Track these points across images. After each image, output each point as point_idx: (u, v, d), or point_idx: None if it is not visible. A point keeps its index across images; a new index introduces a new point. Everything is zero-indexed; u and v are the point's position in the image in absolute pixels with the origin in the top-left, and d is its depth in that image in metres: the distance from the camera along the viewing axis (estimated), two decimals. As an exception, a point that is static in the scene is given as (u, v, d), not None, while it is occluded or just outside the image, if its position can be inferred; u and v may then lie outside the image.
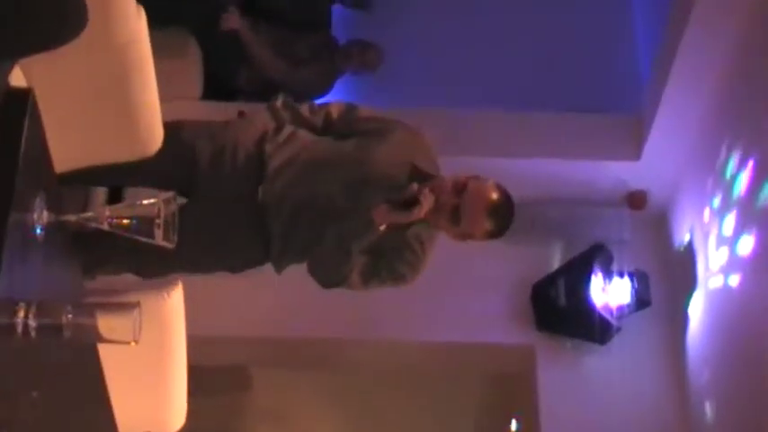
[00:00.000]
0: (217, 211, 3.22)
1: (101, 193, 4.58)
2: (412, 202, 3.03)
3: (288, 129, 3.26)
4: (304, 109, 3.32)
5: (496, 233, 3.13)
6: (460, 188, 3.05)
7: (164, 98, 3.03)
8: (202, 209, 3.19)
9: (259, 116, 3.32)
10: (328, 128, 3.31)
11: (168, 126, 3.03)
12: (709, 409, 4.51)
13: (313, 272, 3.26)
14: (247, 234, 3.24)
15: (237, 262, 3.39)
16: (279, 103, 3.32)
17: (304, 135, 3.27)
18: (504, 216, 3.12)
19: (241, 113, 3.36)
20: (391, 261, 3.19)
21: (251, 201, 3.20)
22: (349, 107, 3.31)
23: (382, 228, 3.07)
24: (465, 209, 3.05)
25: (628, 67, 5.57)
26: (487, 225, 3.10)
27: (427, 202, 3.03)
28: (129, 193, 4.54)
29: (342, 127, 3.29)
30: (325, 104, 3.34)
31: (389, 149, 3.17)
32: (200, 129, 3.28)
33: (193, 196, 3.22)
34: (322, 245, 3.17)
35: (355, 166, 3.15)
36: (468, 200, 3.04)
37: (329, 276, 3.23)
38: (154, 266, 3.32)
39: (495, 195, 3.08)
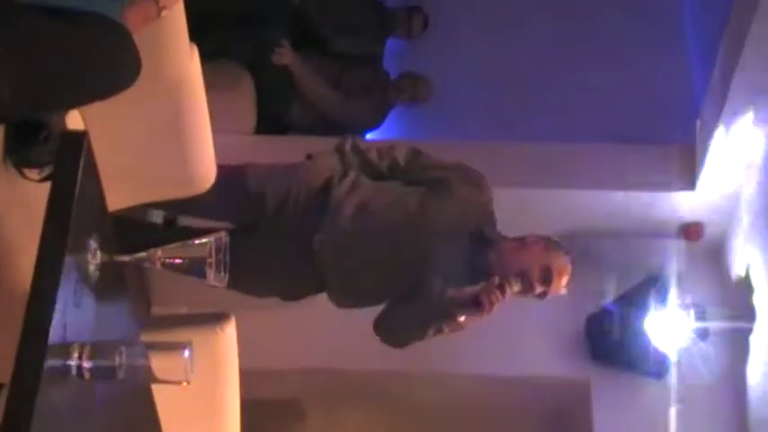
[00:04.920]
0: (272, 248, 3.26)
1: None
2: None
3: (351, 175, 3.30)
4: (372, 154, 3.37)
5: None
6: (548, 276, 3.20)
7: (217, 132, 3.06)
8: (259, 243, 3.24)
9: (326, 160, 3.36)
10: (393, 173, 3.36)
11: (233, 172, 3.09)
12: (769, 444, 4.43)
13: (381, 334, 3.37)
14: (300, 274, 3.30)
15: (290, 292, 3.43)
16: (348, 146, 3.35)
17: (368, 184, 3.31)
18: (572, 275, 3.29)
19: (309, 156, 3.40)
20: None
21: (306, 245, 3.23)
22: (414, 153, 3.37)
23: (461, 319, 3.21)
24: (551, 291, 3.24)
25: (681, 96, 5.51)
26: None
27: (498, 305, 3.15)
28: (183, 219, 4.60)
29: (408, 174, 3.34)
30: (392, 148, 3.38)
31: (453, 213, 3.23)
32: (265, 175, 3.31)
33: (251, 231, 3.27)
34: (396, 320, 3.30)
35: (419, 237, 3.21)
36: (554, 286, 3.23)
37: (395, 344, 3.39)
38: None
39: (569, 264, 3.25)
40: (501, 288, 3.13)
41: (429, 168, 3.32)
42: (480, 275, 3.21)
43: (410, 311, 3.25)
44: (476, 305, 3.14)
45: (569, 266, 3.23)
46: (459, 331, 3.27)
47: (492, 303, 3.13)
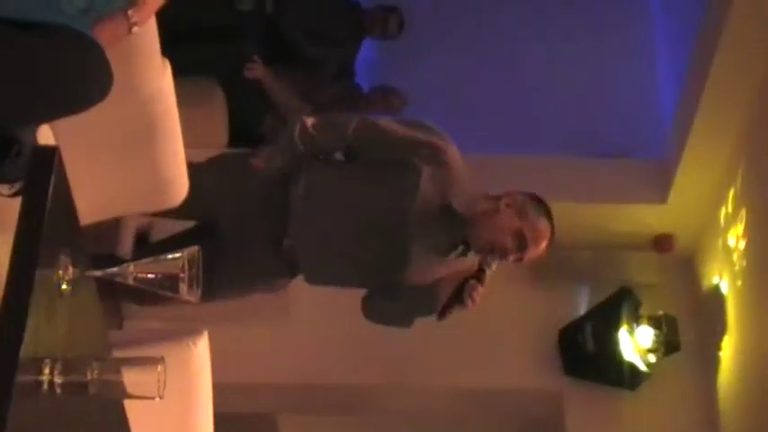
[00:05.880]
0: (240, 256, 3.26)
1: (128, 235, 4.61)
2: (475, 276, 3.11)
3: (305, 171, 3.21)
4: (323, 136, 3.22)
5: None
6: (522, 243, 3.09)
7: (190, 146, 3.05)
8: (226, 252, 3.23)
9: (277, 154, 3.26)
10: (350, 152, 3.27)
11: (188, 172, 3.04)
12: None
13: (369, 318, 3.34)
14: (273, 272, 3.31)
15: (266, 288, 3.43)
16: (296, 132, 3.22)
17: (326, 178, 3.22)
18: (553, 235, 3.17)
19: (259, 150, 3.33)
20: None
21: (274, 246, 3.22)
22: (369, 127, 3.22)
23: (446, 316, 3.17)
24: (529, 256, 3.13)
25: (653, 111, 5.56)
26: (545, 251, 3.18)
27: (480, 298, 3.09)
28: (155, 233, 4.58)
29: (366, 151, 3.23)
30: (344, 126, 3.23)
31: (422, 197, 3.14)
32: (217, 172, 3.28)
33: (214, 234, 3.25)
34: (383, 309, 3.29)
35: (392, 227, 3.15)
36: (530, 251, 3.12)
37: (382, 323, 3.36)
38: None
39: (548, 227, 3.13)
40: (480, 279, 3.08)
41: (388, 146, 3.18)
42: (460, 245, 3.17)
43: (396, 305, 3.24)
44: (460, 302, 3.10)
45: (547, 229, 3.11)
46: None
47: (474, 300, 3.08)
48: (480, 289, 3.08)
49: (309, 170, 3.21)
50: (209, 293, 3.31)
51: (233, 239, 3.25)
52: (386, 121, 3.26)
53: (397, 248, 3.16)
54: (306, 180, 3.20)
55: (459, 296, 3.10)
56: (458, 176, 3.19)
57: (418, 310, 3.25)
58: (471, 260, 3.18)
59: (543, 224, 3.11)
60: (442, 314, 3.17)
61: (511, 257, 3.10)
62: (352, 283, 3.30)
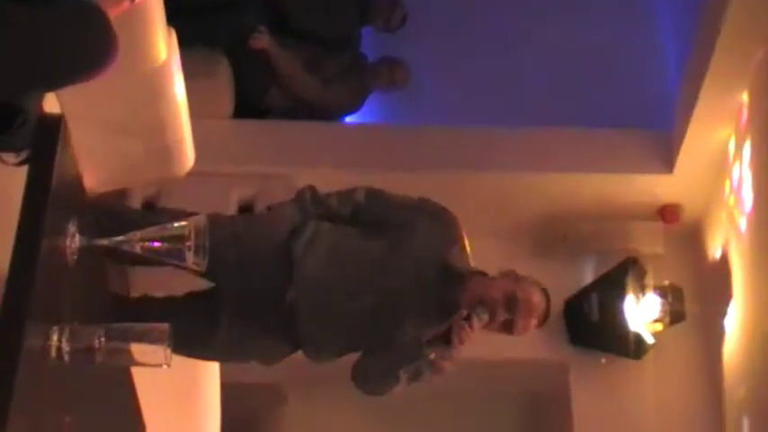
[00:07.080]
0: (244, 310, 3.16)
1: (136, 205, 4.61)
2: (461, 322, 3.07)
3: (311, 226, 3.18)
4: (332, 201, 3.25)
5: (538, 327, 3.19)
6: (513, 303, 3.05)
7: (195, 116, 3.05)
8: (229, 307, 3.15)
9: (285, 211, 3.23)
10: (356, 217, 3.26)
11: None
12: (746, 425, 4.46)
13: (357, 382, 3.23)
14: (275, 335, 3.21)
15: (267, 355, 3.35)
16: (308, 195, 3.23)
17: (329, 232, 3.20)
18: (547, 316, 3.15)
19: (269, 208, 3.29)
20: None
21: (278, 301, 3.13)
22: (375, 193, 3.26)
23: (432, 356, 3.09)
24: (518, 323, 3.07)
25: (659, 81, 5.54)
26: (534, 328, 3.13)
27: (469, 339, 3.05)
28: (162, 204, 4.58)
29: (369, 217, 3.24)
30: (351, 192, 3.26)
31: (418, 252, 3.13)
32: (222, 230, 3.08)
33: (219, 290, 3.18)
34: (367, 365, 3.18)
35: (388, 282, 3.12)
36: (520, 316, 3.06)
37: (373, 391, 3.26)
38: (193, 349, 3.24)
39: (542, 302, 3.10)
40: (469, 320, 3.03)
41: (391, 210, 3.22)
42: (451, 310, 3.10)
43: (380, 357, 3.15)
44: (445, 343, 3.07)
45: (541, 302, 3.07)
46: (443, 374, 3.16)
47: (461, 340, 3.04)
48: (469, 330, 3.03)
49: (315, 224, 3.20)
50: (210, 354, 3.31)
51: (234, 297, 3.16)
52: (393, 192, 3.29)
53: (391, 301, 3.12)
54: (311, 231, 3.18)
55: (446, 336, 3.07)
56: (457, 241, 3.18)
57: (404, 360, 3.13)
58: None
59: (537, 296, 3.08)
60: (428, 346, 3.09)
61: (499, 315, 3.05)
62: (349, 341, 3.21)
